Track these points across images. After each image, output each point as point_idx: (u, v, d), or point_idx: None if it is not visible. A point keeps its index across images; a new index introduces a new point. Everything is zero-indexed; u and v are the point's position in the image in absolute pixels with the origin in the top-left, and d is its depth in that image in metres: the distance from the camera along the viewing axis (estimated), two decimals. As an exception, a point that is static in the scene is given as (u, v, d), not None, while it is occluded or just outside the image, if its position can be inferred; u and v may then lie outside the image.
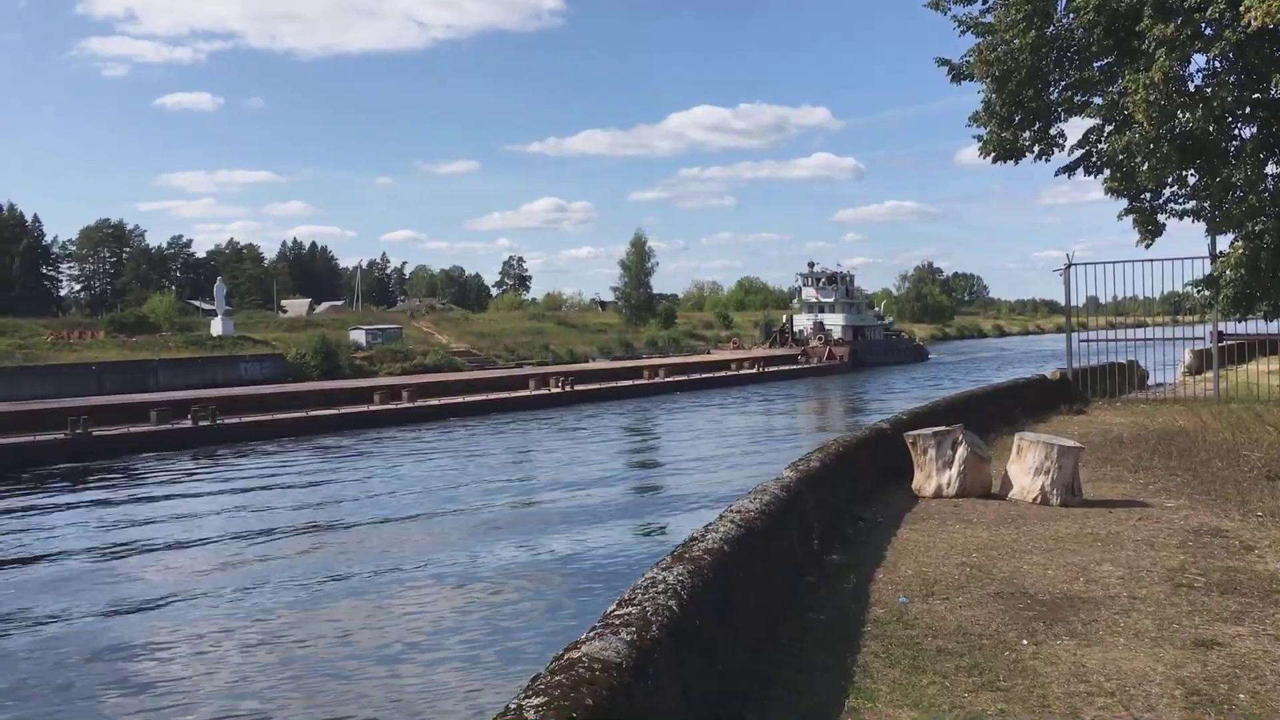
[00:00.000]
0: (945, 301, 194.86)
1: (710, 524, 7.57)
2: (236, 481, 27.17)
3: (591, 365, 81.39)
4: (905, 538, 10.62)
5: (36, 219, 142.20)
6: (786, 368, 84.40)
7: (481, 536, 17.94)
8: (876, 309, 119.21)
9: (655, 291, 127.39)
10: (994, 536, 10.53)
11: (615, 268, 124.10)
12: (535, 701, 4.11)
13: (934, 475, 13.30)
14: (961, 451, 13.27)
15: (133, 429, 35.37)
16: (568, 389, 57.58)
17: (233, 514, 21.86)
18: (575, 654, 4.66)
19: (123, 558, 17.36)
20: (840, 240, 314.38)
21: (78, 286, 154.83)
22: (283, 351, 74.99)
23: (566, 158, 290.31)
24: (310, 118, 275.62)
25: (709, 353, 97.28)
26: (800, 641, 7.21)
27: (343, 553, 16.42)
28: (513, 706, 4.05)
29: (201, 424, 36.75)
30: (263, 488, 25.77)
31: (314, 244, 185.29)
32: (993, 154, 14.25)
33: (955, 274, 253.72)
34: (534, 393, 56.38)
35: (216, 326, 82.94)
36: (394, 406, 45.89)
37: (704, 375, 74.46)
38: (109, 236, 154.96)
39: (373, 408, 45.22)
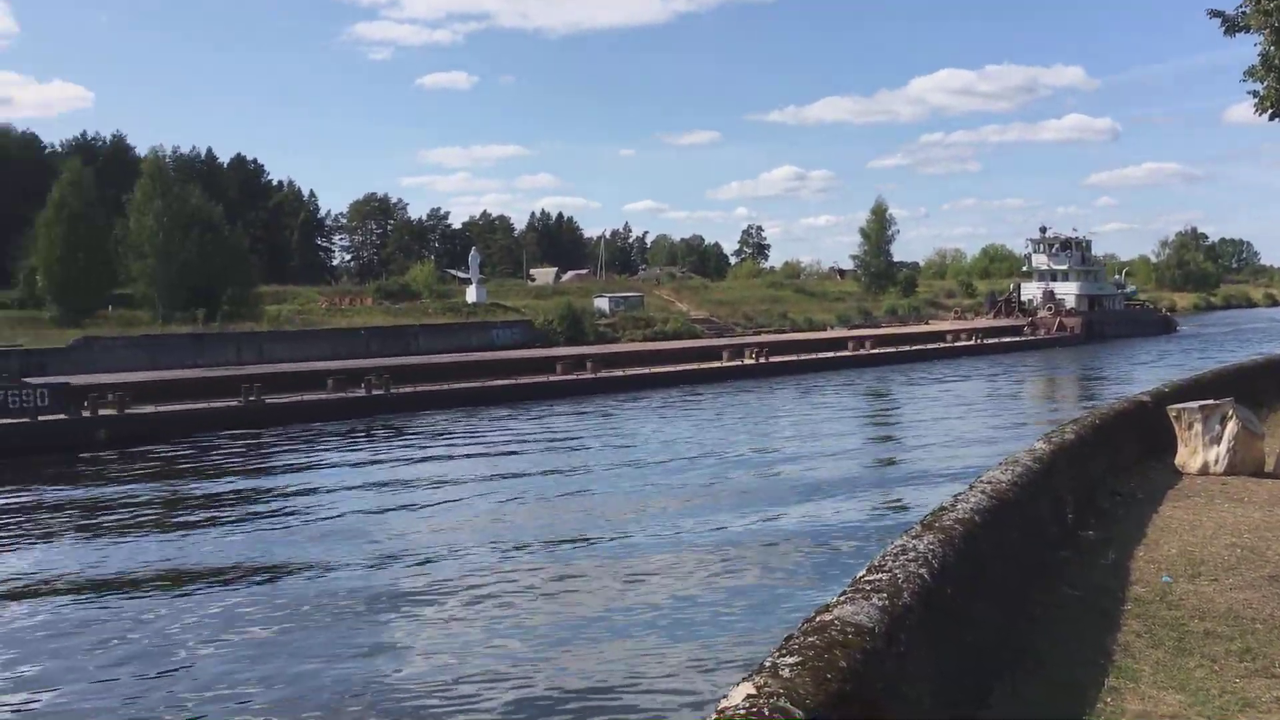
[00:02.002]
0: (1210, 269, 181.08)
1: (960, 494, 7.48)
2: (432, 449, 27.09)
3: (826, 334, 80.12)
4: (1168, 515, 10.13)
5: (312, 194, 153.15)
6: (1009, 339, 78.44)
7: (708, 505, 18.05)
8: (1117, 277, 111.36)
9: (895, 259, 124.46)
10: (1268, 517, 9.89)
11: (854, 236, 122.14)
12: (789, 661, 4.22)
13: (1199, 451, 12.58)
14: (1232, 427, 12.48)
15: (305, 396, 35.13)
16: (763, 360, 54.61)
17: (440, 480, 22.21)
18: (827, 617, 4.76)
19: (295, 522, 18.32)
20: (1092, 205, 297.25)
21: (348, 256, 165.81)
22: (531, 318, 77.82)
23: (806, 126, 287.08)
24: (558, 93, 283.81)
25: (926, 323, 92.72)
26: (1054, 616, 7.05)
27: (583, 518, 16.89)
28: (767, 665, 4.17)
29: (375, 393, 35.98)
30: (446, 456, 25.51)
31: (560, 215, 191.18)
32: (1271, 110, 13.26)
33: (1222, 239, 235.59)
34: (728, 364, 53.77)
35: (471, 294, 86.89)
36: (575, 377, 44.29)
37: (915, 347, 69.13)
38: (375, 210, 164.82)
39: (553, 378, 43.74)
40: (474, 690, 9.06)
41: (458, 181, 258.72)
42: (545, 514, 17.13)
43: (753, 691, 3.88)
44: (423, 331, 69.72)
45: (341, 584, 12.85)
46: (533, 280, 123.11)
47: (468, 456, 25.26)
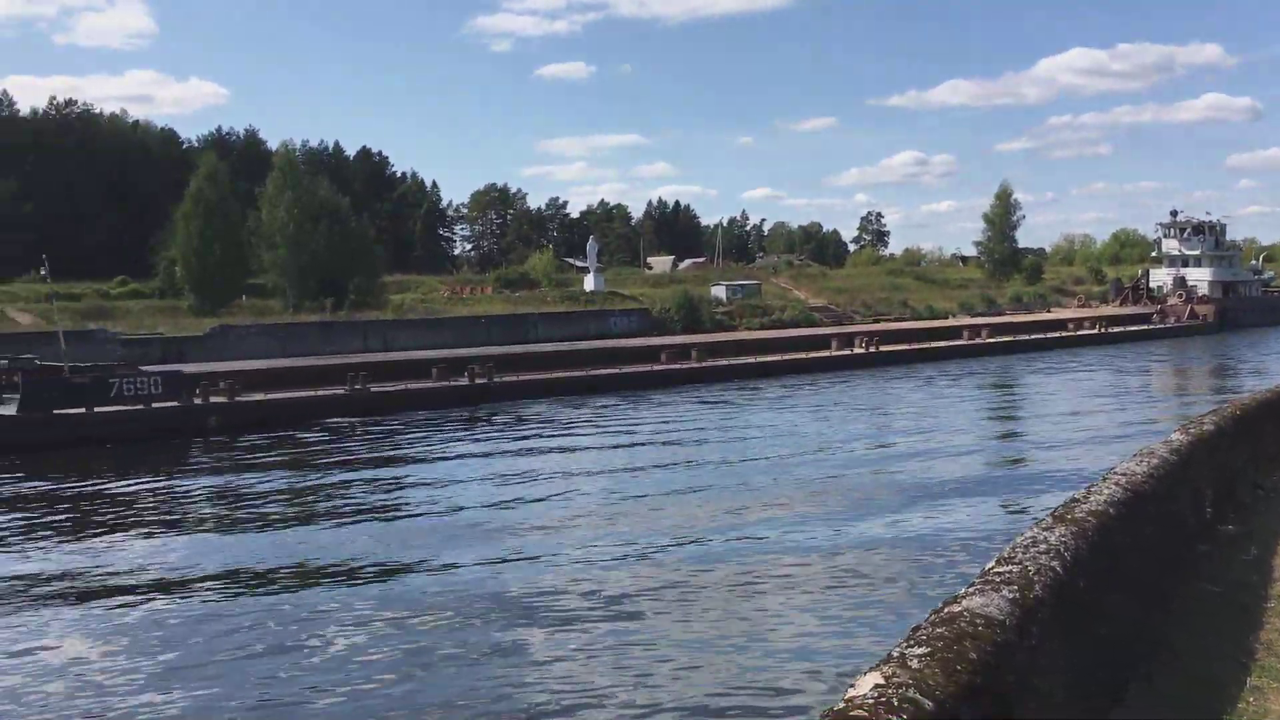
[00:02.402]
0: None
1: (1093, 485, 7.29)
2: (530, 440, 26.91)
3: (943, 322, 78.48)
4: (1315, 511, 9.70)
5: (434, 185, 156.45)
6: (1136, 328, 74.83)
7: (826, 505, 17.65)
8: (1254, 262, 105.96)
9: (1020, 245, 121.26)
10: None
11: (977, 221, 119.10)
12: (918, 651, 4.18)
13: (1352, 445, 12.01)
14: (1387, 419, 11.88)
15: (410, 385, 35.42)
16: (873, 349, 53.06)
17: (533, 475, 21.96)
18: (956, 608, 4.70)
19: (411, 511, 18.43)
20: (1232, 188, 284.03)
21: (469, 246, 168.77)
22: (648, 306, 78.10)
23: (928, 110, 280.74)
24: (675, 81, 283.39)
25: (1048, 311, 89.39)
26: (1192, 611, 6.83)
27: (699, 515, 16.71)
28: (895, 655, 4.14)
29: (478, 382, 36.05)
30: (553, 448, 25.24)
31: (677, 203, 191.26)
32: None
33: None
34: (836, 353, 52.19)
35: (589, 282, 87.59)
36: (680, 366, 43.63)
37: (1035, 336, 65.86)
38: (495, 200, 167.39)
39: (657, 367, 43.10)
40: (602, 694, 9.05)
41: (576, 171, 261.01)
42: (659, 511, 16.99)
43: (881, 681, 3.86)
44: (541, 320, 70.58)
45: (462, 581, 12.89)
46: (650, 268, 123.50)
47: (574, 449, 25.01)
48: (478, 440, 27.31)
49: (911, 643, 4.27)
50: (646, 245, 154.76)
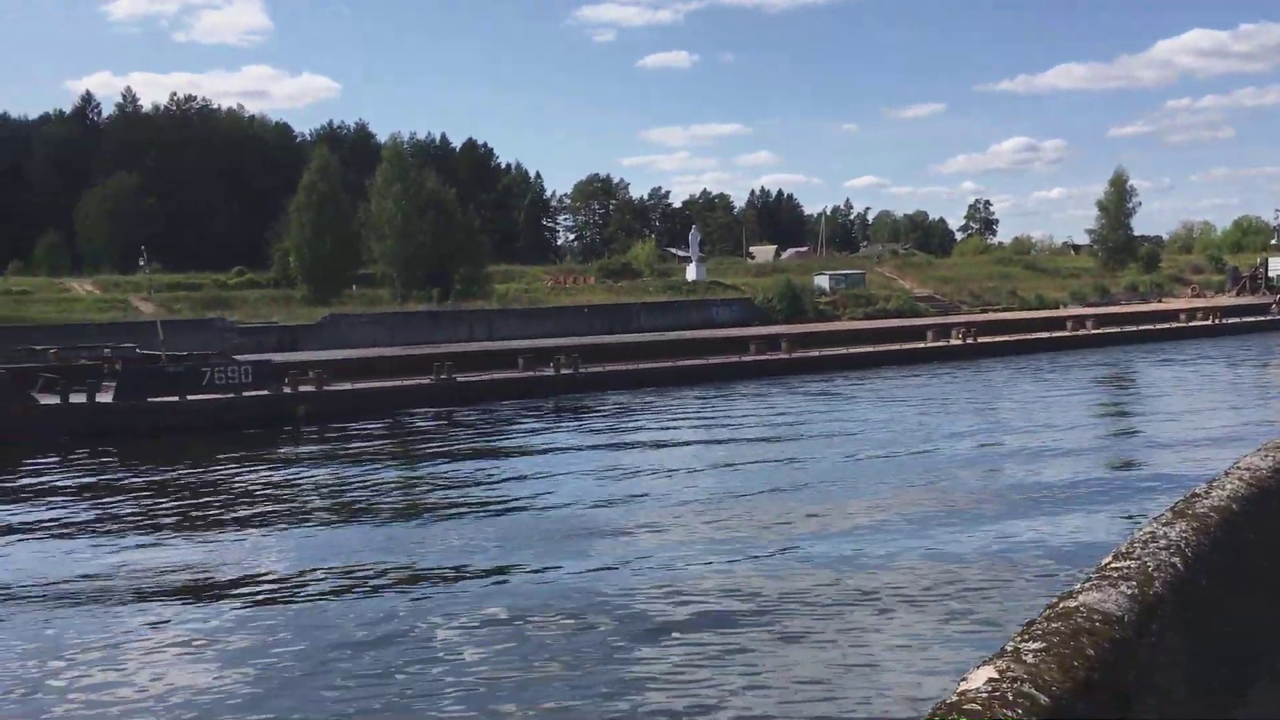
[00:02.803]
0: None
1: (1215, 480, 7.06)
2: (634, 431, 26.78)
3: (1049, 313, 76.40)
4: None
5: (538, 176, 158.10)
6: (1253, 319, 70.21)
7: (931, 510, 17.14)
8: None
9: (1136, 233, 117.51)
10: None
11: (1090, 209, 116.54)
12: (1032, 646, 4.12)
13: None
14: None
15: (496, 375, 35.62)
16: (971, 341, 51.05)
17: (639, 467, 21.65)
18: (1072, 603, 4.61)
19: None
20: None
21: (571, 236, 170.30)
22: (751, 295, 77.79)
23: (1038, 95, 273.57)
24: (778, 69, 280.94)
25: (1161, 300, 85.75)
26: (1322, 613, 6.57)
27: (801, 519, 16.34)
28: (1009, 649, 4.08)
29: (563, 372, 35.91)
30: (643, 441, 24.75)
31: (780, 192, 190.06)
32: None
33: None
34: (931, 345, 50.14)
35: (691, 272, 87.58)
36: (769, 357, 42.68)
37: (1143, 328, 63.14)
38: (598, 190, 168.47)
39: (746, 358, 42.17)
40: (709, 704, 8.93)
41: (678, 161, 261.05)
42: (755, 509, 16.69)
43: (994, 675, 3.80)
44: (643, 309, 70.82)
45: (565, 582, 12.71)
46: (752, 258, 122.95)
47: (665, 444, 24.17)
48: (565, 432, 27.26)
49: (1026, 637, 4.21)
50: (749, 235, 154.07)
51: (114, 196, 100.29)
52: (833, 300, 79.14)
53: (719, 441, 24.89)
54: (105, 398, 27.07)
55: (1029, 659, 4.00)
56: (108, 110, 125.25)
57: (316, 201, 74.91)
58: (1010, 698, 3.70)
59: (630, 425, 27.78)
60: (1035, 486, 18.69)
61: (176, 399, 27.48)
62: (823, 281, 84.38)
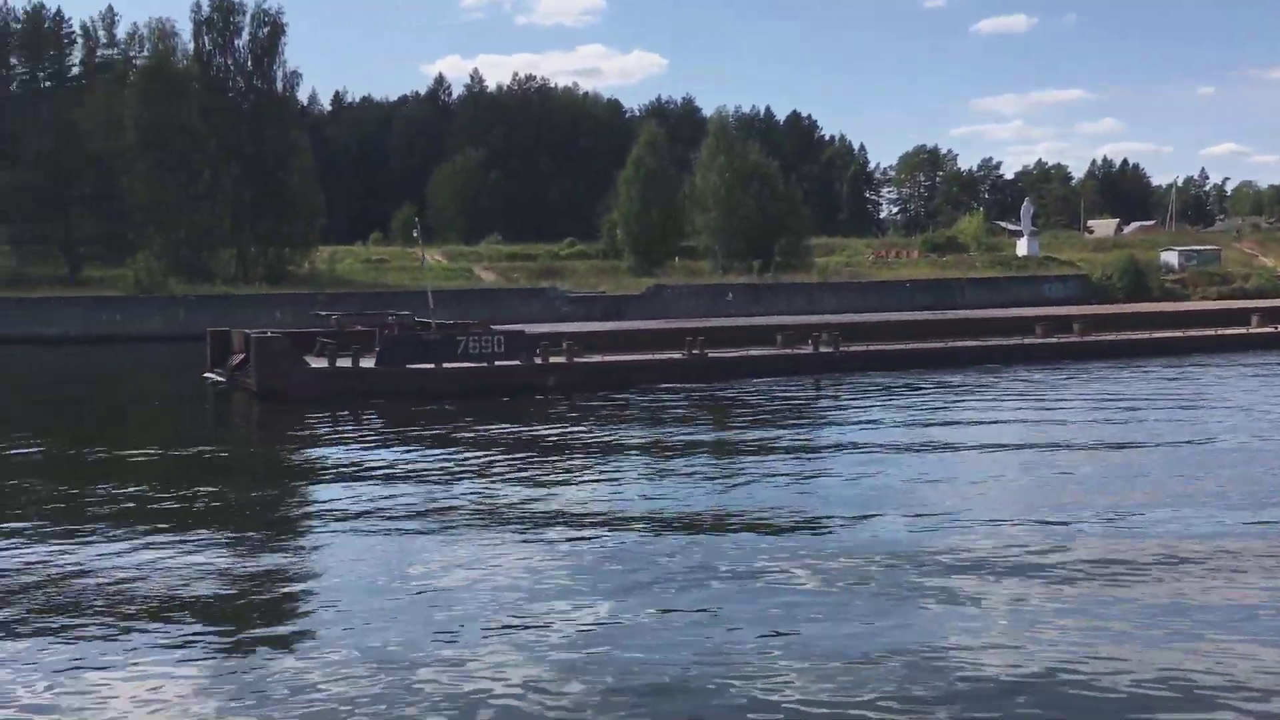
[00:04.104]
0: None
1: None
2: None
3: None
4: None
5: (862, 148, 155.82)
6: None
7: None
8: None
9: None
10: None
11: None
12: None
13: None
14: None
15: (751, 352, 34.20)
16: None
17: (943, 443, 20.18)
18: None
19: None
20: None
21: (895, 209, 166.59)
22: (1087, 272, 73.30)
23: None
24: (1126, 30, 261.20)
25: None
26: None
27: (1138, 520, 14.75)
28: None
29: (823, 350, 34.38)
30: (916, 421, 22.74)
31: (1124, 161, 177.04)
32: None
33: None
34: (1256, 330, 41.90)
35: (1021, 247, 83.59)
36: (1057, 340, 38.64)
37: None
38: (924, 162, 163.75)
39: (1029, 340, 38.42)
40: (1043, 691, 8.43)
41: (1011, 130, 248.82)
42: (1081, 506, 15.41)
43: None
44: (969, 285, 68.34)
45: (884, 539, 12.63)
46: (1090, 232, 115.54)
47: (936, 424, 22.51)
48: (825, 410, 26.20)
49: None
50: (1087, 207, 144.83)
51: (461, 172, 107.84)
52: (1181, 278, 73.04)
53: (990, 422, 22.81)
54: (368, 363, 28.64)
55: None
56: (457, 91, 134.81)
57: (644, 175, 77.39)
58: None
59: (884, 403, 26.29)
60: None
61: (432, 366, 28.72)
62: (1170, 258, 78.01)
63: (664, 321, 44.85)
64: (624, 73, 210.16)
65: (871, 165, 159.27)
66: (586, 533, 13.08)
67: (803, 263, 74.59)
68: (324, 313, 34.81)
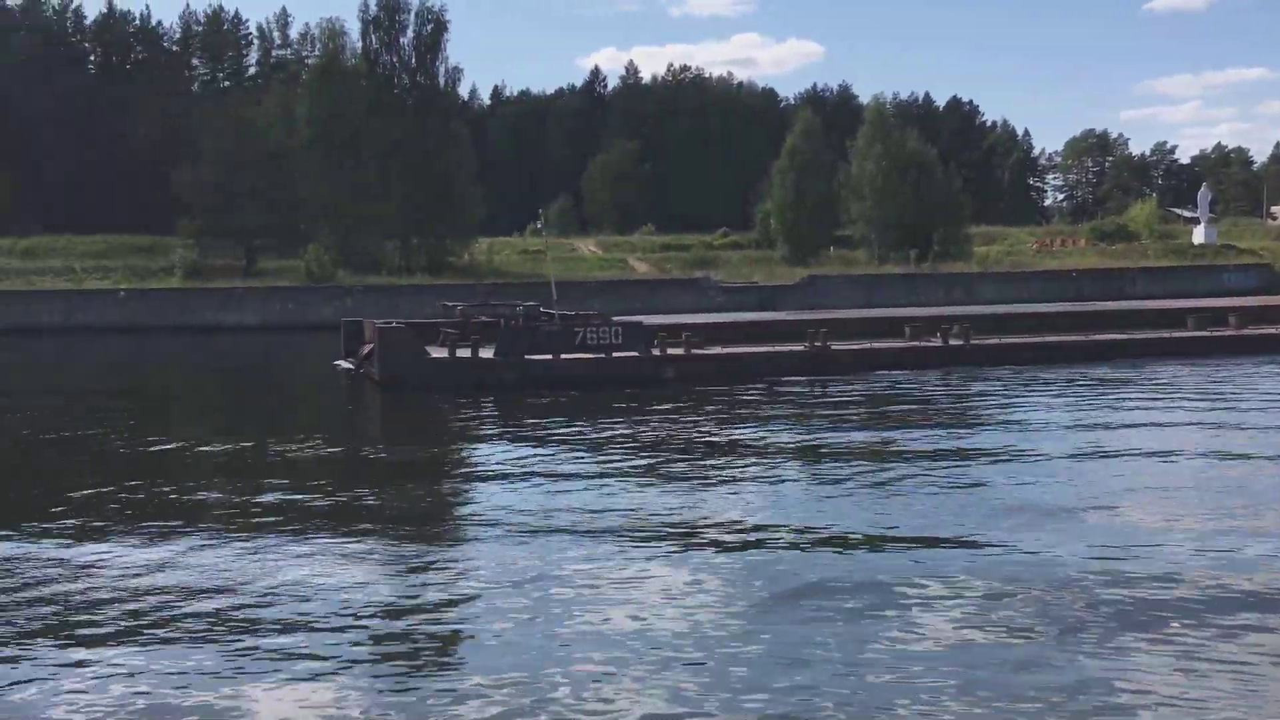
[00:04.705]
0: None
1: None
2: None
3: None
4: None
5: (1025, 133, 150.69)
6: None
7: None
8: None
9: None
10: None
11: None
12: None
13: None
14: None
15: (874, 344, 32.98)
16: None
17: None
18: None
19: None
20: None
21: (1060, 196, 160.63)
22: (1269, 261, 69.36)
23: None
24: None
25: None
26: None
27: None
28: None
29: (951, 343, 32.47)
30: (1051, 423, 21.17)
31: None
32: None
33: None
34: None
35: (1198, 234, 79.61)
36: (1208, 334, 35.45)
37: None
38: (1092, 146, 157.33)
39: (1179, 333, 35.42)
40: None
41: (1187, 112, 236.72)
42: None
43: None
44: (1140, 275, 65.44)
45: (1046, 560, 11.80)
46: (1273, 219, 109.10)
47: (1081, 426, 20.88)
48: (956, 408, 24.46)
49: None
50: (1271, 193, 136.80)
51: (615, 163, 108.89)
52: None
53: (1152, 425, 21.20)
54: (487, 353, 28.81)
55: None
56: (612, 83, 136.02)
57: (799, 164, 76.72)
58: None
59: (1013, 402, 24.82)
60: None
61: (549, 357, 28.73)
62: (1364, 246, 73.19)
63: (811, 313, 43.76)
64: (778, 61, 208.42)
65: (1035, 151, 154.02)
66: (728, 539, 12.74)
67: (962, 252, 72.81)
68: (450, 303, 35.56)
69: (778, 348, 31.90)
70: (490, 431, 22.42)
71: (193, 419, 26.95)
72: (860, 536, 12.92)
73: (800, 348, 31.34)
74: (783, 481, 16.52)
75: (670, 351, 29.76)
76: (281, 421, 25.63)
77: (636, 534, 13.08)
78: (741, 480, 16.56)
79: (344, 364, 31.97)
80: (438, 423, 24.16)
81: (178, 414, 28.35)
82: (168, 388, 34.66)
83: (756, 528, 13.43)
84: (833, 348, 31.30)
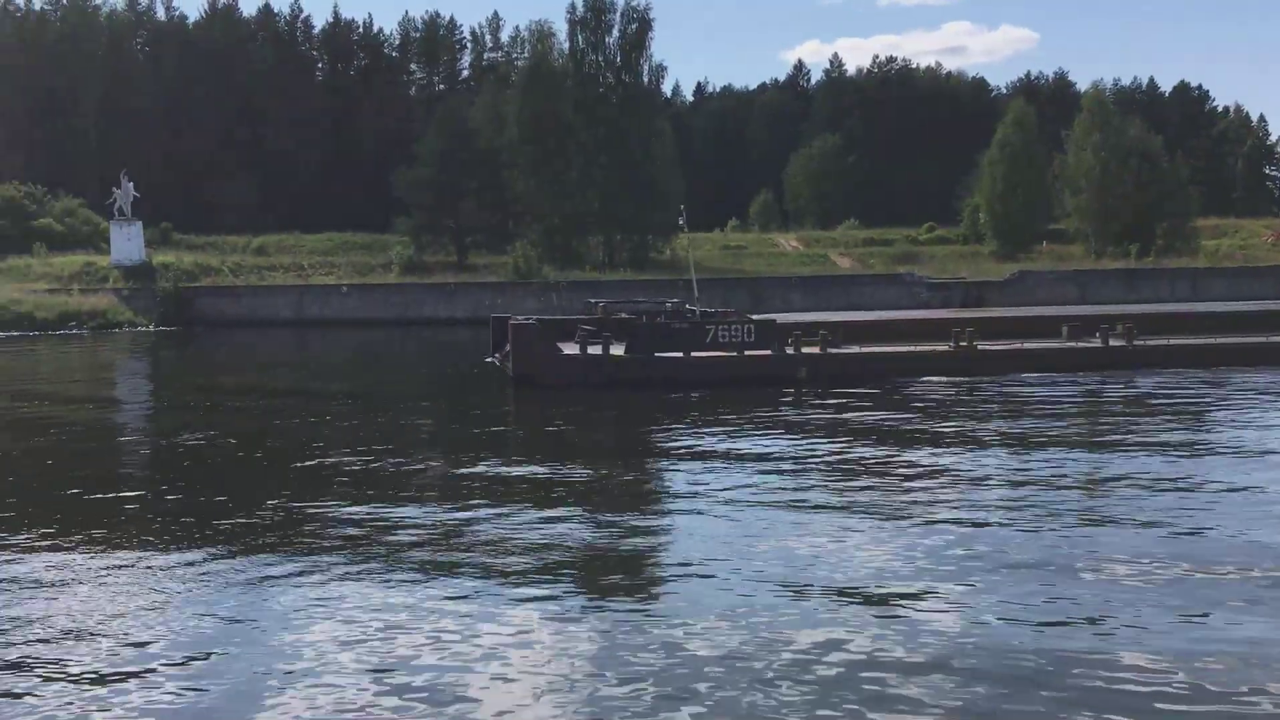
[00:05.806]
0: None
1: None
2: None
3: None
4: None
5: (1261, 118, 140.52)
6: None
7: None
8: None
9: None
10: None
11: None
12: None
13: None
14: None
15: (1026, 345, 30.16)
16: None
17: None
18: None
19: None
20: None
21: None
22: None
23: None
24: None
25: None
26: None
27: None
28: None
29: (1112, 344, 29.34)
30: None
31: None
32: None
33: None
34: None
35: None
36: None
37: None
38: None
39: None
40: None
41: None
42: None
43: None
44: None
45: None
46: None
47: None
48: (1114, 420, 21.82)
49: None
50: None
51: (818, 157, 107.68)
52: None
53: None
54: (618, 351, 28.63)
55: None
56: (816, 76, 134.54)
57: (1009, 155, 74.10)
58: None
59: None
60: None
61: (680, 355, 28.32)
62: None
63: (960, 311, 41.24)
64: (990, 50, 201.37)
65: (1273, 138, 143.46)
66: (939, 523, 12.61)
67: (1188, 246, 68.77)
68: (593, 300, 35.94)
69: (918, 347, 30.70)
70: (594, 438, 21.76)
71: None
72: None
73: (944, 347, 30.12)
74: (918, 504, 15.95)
75: (805, 350, 28.76)
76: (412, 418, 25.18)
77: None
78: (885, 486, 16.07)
79: (494, 360, 32.51)
80: (563, 417, 23.79)
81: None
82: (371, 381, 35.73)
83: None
84: (979, 348, 29.86)
